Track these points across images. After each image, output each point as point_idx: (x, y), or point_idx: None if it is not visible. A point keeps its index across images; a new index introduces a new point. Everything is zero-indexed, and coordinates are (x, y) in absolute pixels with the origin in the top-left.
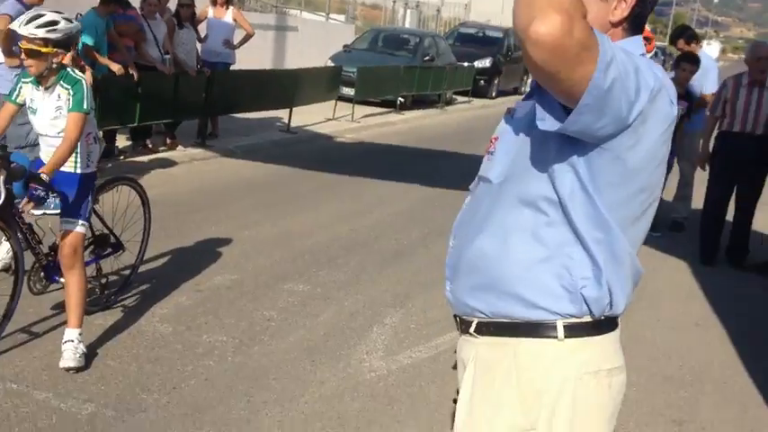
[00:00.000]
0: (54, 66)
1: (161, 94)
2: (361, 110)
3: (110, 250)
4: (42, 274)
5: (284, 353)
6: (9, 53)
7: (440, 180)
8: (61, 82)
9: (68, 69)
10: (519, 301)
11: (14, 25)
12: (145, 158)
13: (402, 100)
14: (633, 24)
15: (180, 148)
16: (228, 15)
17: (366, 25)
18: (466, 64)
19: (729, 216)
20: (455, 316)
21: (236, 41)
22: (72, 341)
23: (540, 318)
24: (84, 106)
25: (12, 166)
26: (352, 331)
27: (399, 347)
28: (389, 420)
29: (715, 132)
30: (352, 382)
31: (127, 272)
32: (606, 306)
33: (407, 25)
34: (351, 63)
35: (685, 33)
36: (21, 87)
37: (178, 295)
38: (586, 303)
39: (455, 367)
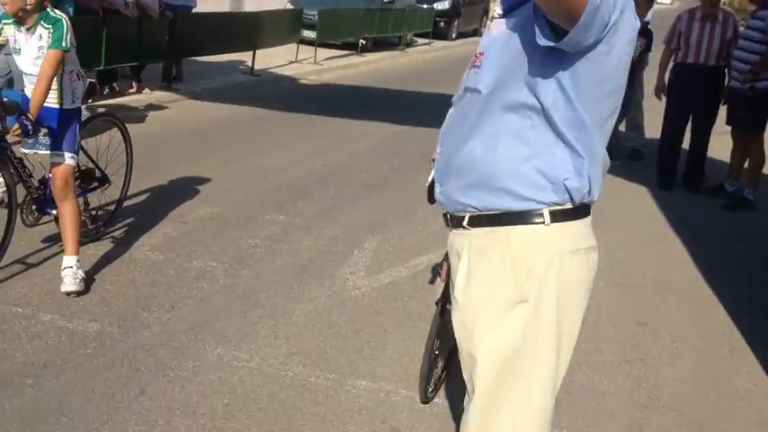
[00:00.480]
0: (29, 6)
1: (125, 38)
2: (323, 53)
3: (96, 184)
4: (34, 206)
5: (272, 275)
6: None
7: (405, 119)
8: (42, 22)
9: (48, 9)
10: (509, 194)
11: None
12: (112, 101)
13: (363, 42)
14: None
15: (146, 91)
16: None
17: None
18: (425, 6)
19: (685, 144)
20: (445, 214)
21: None
22: (71, 267)
23: (529, 207)
24: (63, 44)
25: (5, 101)
26: (333, 255)
27: (380, 268)
28: (376, 329)
29: (670, 65)
30: (338, 299)
31: (112, 206)
32: (585, 194)
33: None
34: (310, 6)
35: None
36: (2, 27)
37: (164, 226)
38: (568, 193)
39: (432, 282)
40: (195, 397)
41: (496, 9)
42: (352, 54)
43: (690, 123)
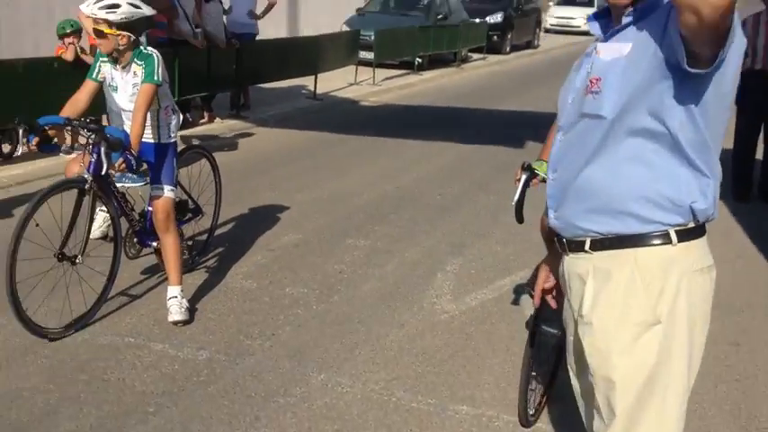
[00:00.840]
0: (122, 46)
1: (196, 69)
2: (381, 73)
3: (190, 215)
4: (135, 239)
5: (362, 300)
6: None
7: (468, 137)
8: (135, 60)
9: (141, 47)
10: (633, 218)
11: (82, 6)
12: (186, 132)
13: (419, 60)
14: None
15: (217, 120)
16: None
17: None
18: (478, 20)
19: (759, 154)
20: (560, 239)
21: (258, 11)
22: (176, 297)
23: (656, 229)
24: (155, 78)
25: (109, 138)
26: (418, 278)
27: (465, 291)
28: (470, 353)
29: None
30: (428, 323)
31: (204, 236)
32: (710, 214)
33: None
34: (366, 26)
35: None
36: (99, 66)
37: (253, 254)
38: (693, 214)
39: (516, 302)
40: (307, 423)
41: (548, 20)
42: (409, 73)
43: (763, 132)
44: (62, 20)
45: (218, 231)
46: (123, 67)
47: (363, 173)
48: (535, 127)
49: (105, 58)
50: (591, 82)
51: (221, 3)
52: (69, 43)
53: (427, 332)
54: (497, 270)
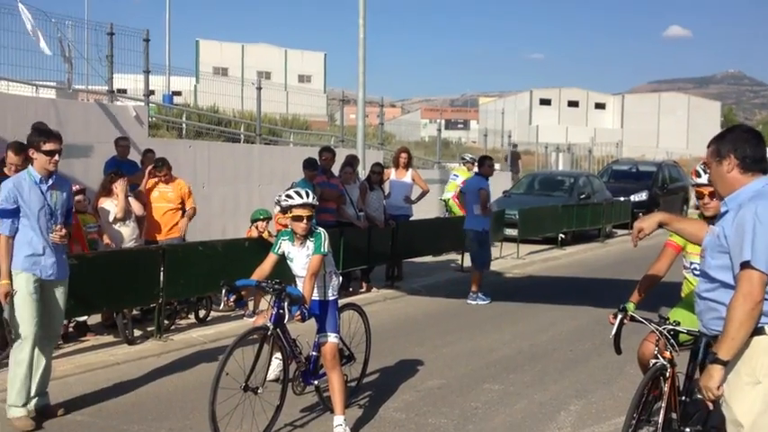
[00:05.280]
0: (305, 233)
1: (357, 245)
2: (525, 248)
3: (344, 360)
4: (300, 379)
5: (492, 429)
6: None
7: (607, 302)
8: (308, 237)
9: (312, 227)
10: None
11: (295, 201)
12: (346, 300)
13: (563, 236)
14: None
15: (374, 290)
16: (408, 176)
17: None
18: (622, 199)
19: None
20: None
21: (412, 197)
22: (341, 425)
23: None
24: (323, 250)
25: (292, 295)
26: (543, 415)
27: (584, 425)
28: None
29: None
30: None
31: (355, 381)
32: None
33: (560, 167)
34: (511, 206)
35: None
36: (280, 243)
37: (402, 393)
38: None
39: None
40: None
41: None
42: (552, 248)
43: None
44: (254, 210)
45: (372, 376)
46: (300, 244)
47: (502, 333)
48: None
49: (285, 237)
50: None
51: (382, 190)
52: (261, 228)
53: None
54: (616, 410)
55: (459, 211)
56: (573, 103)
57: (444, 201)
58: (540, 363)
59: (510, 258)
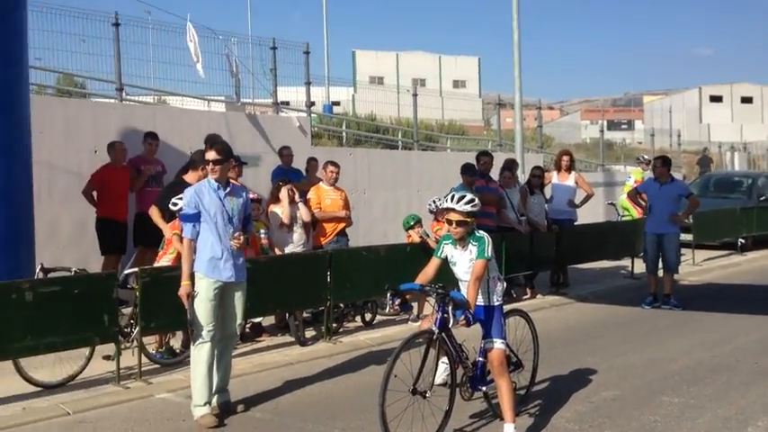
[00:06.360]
0: (464, 233)
1: (520, 251)
2: (701, 254)
3: (512, 367)
4: (468, 384)
5: None
6: None
7: None
8: (471, 241)
9: (475, 231)
10: None
11: (447, 203)
12: (510, 306)
13: (743, 241)
14: None
15: (539, 296)
16: (571, 179)
17: (691, 171)
18: None
19: None
20: None
21: (576, 201)
22: None
23: None
24: (486, 254)
25: (456, 299)
26: (729, 431)
27: None
28: None
29: None
30: None
31: (524, 388)
32: None
33: (736, 167)
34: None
35: None
36: (443, 247)
37: (575, 404)
38: None
39: None
40: None
41: None
42: (731, 253)
43: None
44: (406, 215)
45: (542, 385)
46: (462, 247)
47: (680, 343)
48: None
49: (448, 241)
50: None
51: (543, 194)
52: (416, 232)
53: None
54: None
55: (635, 213)
56: (746, 99)
57: (613, 204)
58: (724, 375)
59: (685, 265)
